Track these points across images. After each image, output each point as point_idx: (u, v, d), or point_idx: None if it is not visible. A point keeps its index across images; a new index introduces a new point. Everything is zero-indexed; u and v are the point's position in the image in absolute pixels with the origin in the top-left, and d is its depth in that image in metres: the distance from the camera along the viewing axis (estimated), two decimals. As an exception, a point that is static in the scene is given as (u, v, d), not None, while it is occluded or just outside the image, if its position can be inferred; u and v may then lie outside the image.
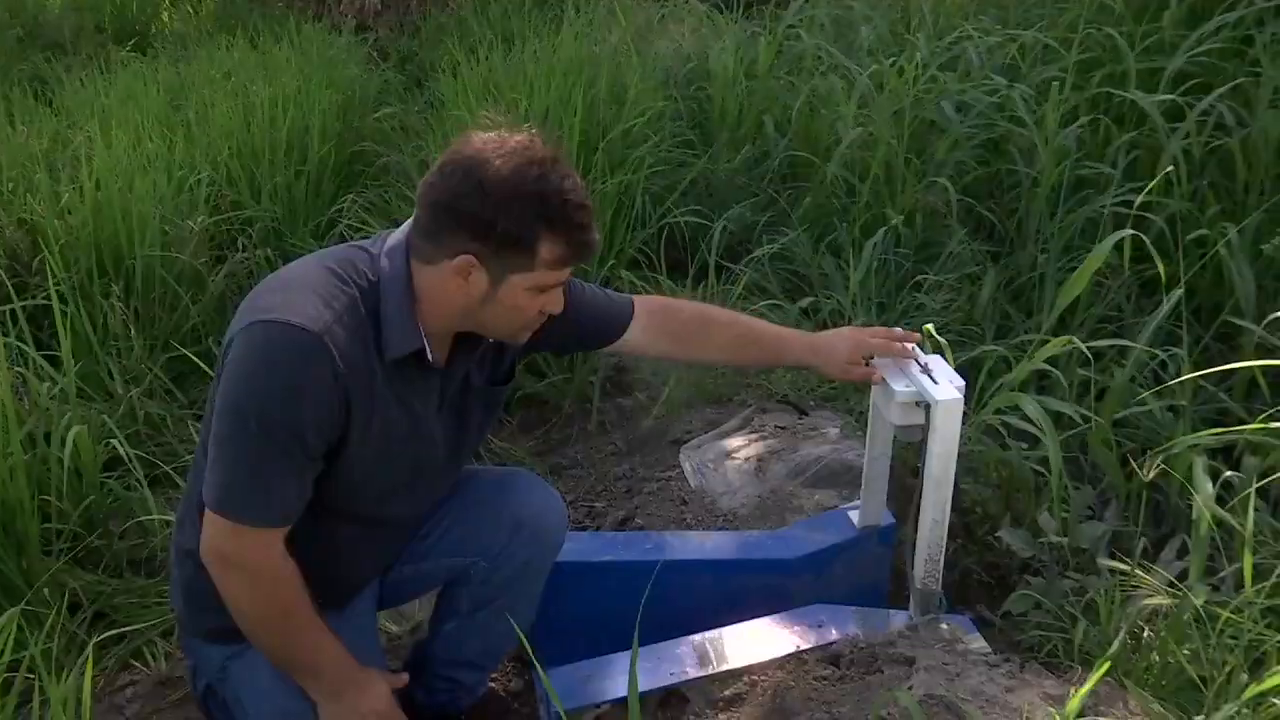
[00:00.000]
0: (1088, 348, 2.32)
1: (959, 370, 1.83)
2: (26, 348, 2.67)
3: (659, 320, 1.96)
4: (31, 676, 1.83)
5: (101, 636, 2.15)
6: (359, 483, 1.65)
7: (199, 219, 3.45)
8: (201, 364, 2.86)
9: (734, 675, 1.78)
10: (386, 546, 1.86)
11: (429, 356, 1.63)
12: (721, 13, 5.29)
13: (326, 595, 1.71)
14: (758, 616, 1.93)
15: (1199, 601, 1.69)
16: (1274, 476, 1.95)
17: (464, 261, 1.55)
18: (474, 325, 1.66)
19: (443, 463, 1.78)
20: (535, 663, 1.41)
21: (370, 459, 1.63)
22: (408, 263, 1.61)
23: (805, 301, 3.13)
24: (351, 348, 1.54)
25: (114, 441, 2.54)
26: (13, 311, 2.76)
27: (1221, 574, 1.90)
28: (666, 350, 2.01)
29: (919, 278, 3.10)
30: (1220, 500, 1.93)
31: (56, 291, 2.74)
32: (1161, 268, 2.35)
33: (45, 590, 2.20)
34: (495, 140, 1.56)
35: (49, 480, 2.38)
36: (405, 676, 1.83)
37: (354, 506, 1.70)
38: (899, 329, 1.94)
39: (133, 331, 2.99)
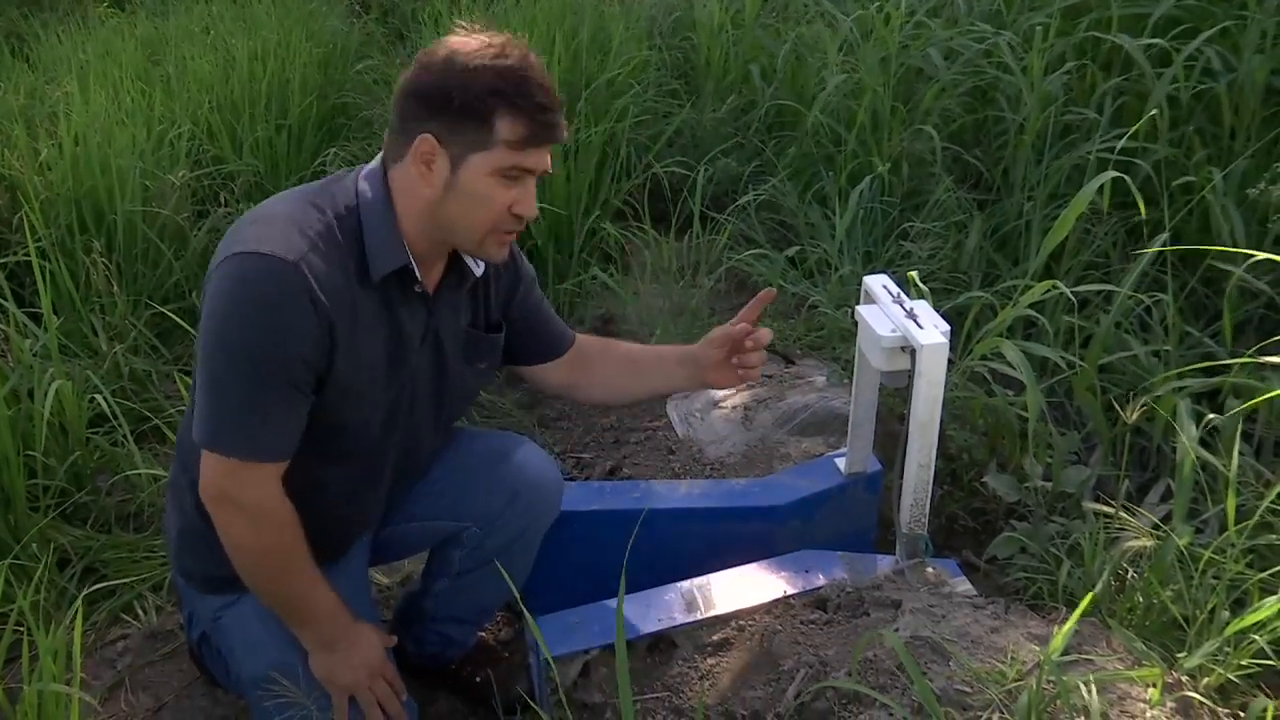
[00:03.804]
0: (1073, 293, 2.32)
1: (945, 317, 1.82)
2: (8, 304, 2.65)
3: (582, 357, 1.97)
4: (20, 630, 1.83)
5: (90, 589, 2.15)
6: (347, 413, 1.63)
7: (180, 173, 3.42)
8: (182, 322, 2.84)
9: (722, 620, 1.79)
10: (377, 493, 1.83)
11: (415, 274, 1.62)
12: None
13: (322, 545, 1.71)
14: (746, 563, 1.94)
15: (1182, 542, 1.70)
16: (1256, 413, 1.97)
17: (423, 141, 1.54)
18: (446, 230, 1.61)
19: (428, 400, 1.77)
20: (526, 613, 1.41)
21: (357, 387, 1.61)
22: (386, 179, 1.61)
23: (791, 250, 3.13)
24: (331, 274, 1.53)
25: (99, 397, 2.53)
26: (-7, 268, 2.75)
27: (1205, 515, 1.92)
28: (576, 382, 1.97)
29: (905, 226, 3.09)
30: (1204, 443, 1.94)
31: (37, 248, 2.72)
32: (1143, 211, 2.35)
33: (34, 546, 2.20)
34: (467, 36, 1.57)
35: (35, 436, 2.37)
36: (394, 638, 1.83)
37: (343, 442, 1.68)
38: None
39: (115, 287, 2.97)
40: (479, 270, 1.74)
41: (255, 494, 1.57)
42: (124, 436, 2.50)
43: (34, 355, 2.55)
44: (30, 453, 2.35)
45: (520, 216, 1.60)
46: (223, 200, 3.57)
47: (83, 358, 2.79)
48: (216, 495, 1.58)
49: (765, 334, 1.85)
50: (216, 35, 4.66)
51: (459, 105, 1.52)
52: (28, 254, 2.72)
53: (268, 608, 1.68)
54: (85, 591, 2.05)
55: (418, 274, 1.63)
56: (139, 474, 2.43)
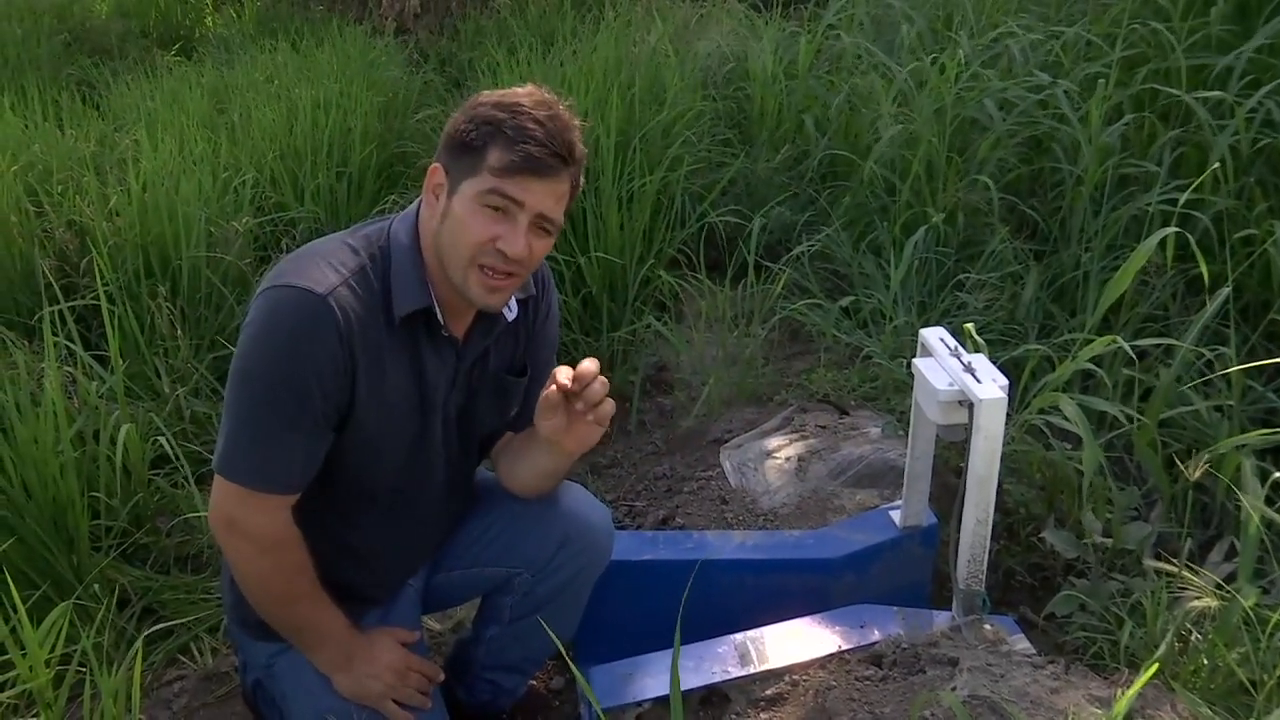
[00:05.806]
0: (1132, 347, 2.29)
1: (1002, 370, 1.81)
2: (76, 347, 2.71)
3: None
4: (83, 670, 1.86)
5: (150, 631, 2.18)
6: (369, 452, 1.65)
7: (243, 220, 3.50)
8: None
9: (776, 675, 1.78)
10: (410, 538, 1.83)
11: (439, 317, 1.64)
12: (760, 12, 5.28)
13: (359, 592, 1.73)
14: (799, 616, 1.92)
15: (1248, 604, 1.67)
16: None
17: (433, 171, 1.60)
18: (443, 262, 1.60)
19: (455, 441, 1.78)
20: (573, 665, 1.41)
21: (378, 426, 1.63)
22: (417, 222, 1.65)
23: (846, 300, 3.12)
24: (360, 311, 1.56)
25: (161, 439, 2.58)
26: (62, 312, 2.81)
27: (1271, 576, 1.88)
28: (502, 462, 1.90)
29: (961, 277, 3.08)
30: (1269, 501, 1.90)
31: (105, 292, 2.78)
32: (1204, 267, 2.32)
33: (95, 586, 2.23)
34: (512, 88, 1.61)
35: (98, 477, 2.42)
36: (416, 633, 1.84)
37: (367, 481, 1.69)
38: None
39: (179, 331, 3.04)
40: (511, 314, 1.74)
41: (261, 522, 1.59)
42: (185, 478, 2.54)
43: (100, 398, 2.61)
44: (94, 494, 2.39)
45: (504, 253, 1.56)
46: (284, 246, 3.64)
47: (146, 400, 2.85)
48: (224, 521, 1.60)
49: (566, 373, 1.62)
50: (280, 85, 4.77)
51: (462, 136, 1.56)
52: (96, 298, 2.79)
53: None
54: (145, 634, 2.07)
55: (441, 318, 1.64)
56: (198, 515, 2.46)
